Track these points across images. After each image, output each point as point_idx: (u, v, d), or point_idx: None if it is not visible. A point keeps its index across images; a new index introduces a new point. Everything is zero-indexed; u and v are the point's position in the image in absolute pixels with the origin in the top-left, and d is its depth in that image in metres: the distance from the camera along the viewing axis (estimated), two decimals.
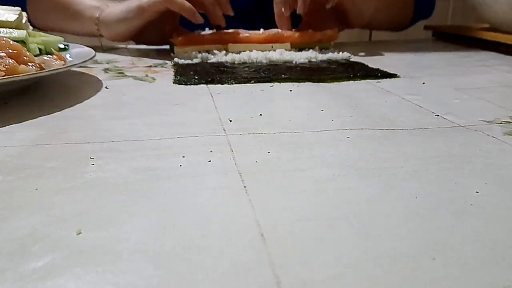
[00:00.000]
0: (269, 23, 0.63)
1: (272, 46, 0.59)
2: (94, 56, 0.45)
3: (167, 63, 0.56)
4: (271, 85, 0.45)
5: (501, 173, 0.25)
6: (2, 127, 0.32)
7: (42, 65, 0.39)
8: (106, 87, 0.44)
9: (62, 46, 0.49)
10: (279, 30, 0.62)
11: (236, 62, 0.55)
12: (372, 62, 0.55)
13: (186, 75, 0.48)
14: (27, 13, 0.51)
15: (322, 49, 0.62)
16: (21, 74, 0.35)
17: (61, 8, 0.64)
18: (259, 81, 0.46)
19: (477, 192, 0.22)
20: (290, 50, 0.59)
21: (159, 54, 0.63)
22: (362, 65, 0.54)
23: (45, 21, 0.68)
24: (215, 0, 0.59)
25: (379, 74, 0.49)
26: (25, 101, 0.38)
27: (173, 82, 0.46)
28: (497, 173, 0.25)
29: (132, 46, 0.71)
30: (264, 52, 0.57)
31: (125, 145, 0.29)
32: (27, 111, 0.35)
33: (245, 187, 0.23)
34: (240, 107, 0.37)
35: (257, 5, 0.75)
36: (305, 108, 0.37)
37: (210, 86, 0.45)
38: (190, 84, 0.45)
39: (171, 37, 0.60)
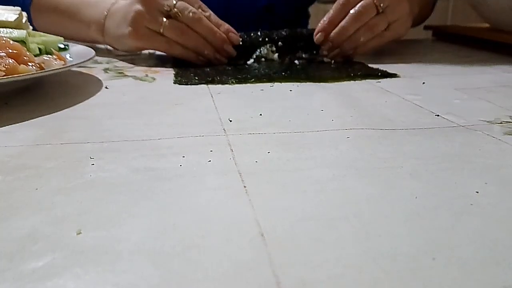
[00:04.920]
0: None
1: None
2: (94, 56, 0.45)
3: (167, 63, 0.56)
4: (271, 85, 0.45)
5: (501, 173, 0.25)
6: (2, 127, 0.32)
7: (42, 65, 0.39)
8: (106, 87, 0.44)
9: (62, 46, 0.49)
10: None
11: (236, 62, 0.55)
12: (372, 62, 0.55)
13: (186, 75, 0.48)
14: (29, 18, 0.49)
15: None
16: (21, 74, 0.35)
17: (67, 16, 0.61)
18: (259, 81, 0.46)
19: (477, 192, 0.22)
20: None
21: (159, 55, 0.63)
22: (362, 65, 0.54)
23: (50, 32, 0.64)
24: (224, 39, 0.54)
25: (379, 74, 0.49)
26: (25, 101, 0.38)
27: (173, 82, 0.46)
28: (497, 173, 0.25)
29: None
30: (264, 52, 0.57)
31: (125, 145, 0.29)
32: (27, 111, 0.35)
33: (245, 187, 0.23)
34: (240, 107, 0.37)
35: (266, 13, 0.74)
36: (305, 108, 0.37)
37: (210, 86, 0.45)
38: (190, 84, 0.45)
39: None
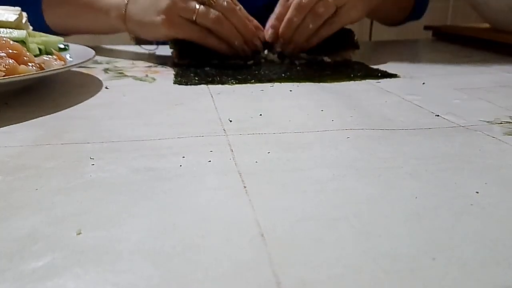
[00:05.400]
0: None
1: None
2: (94, 56, 0.45)
3: (167, 63, 0.56)
4: (271, 85, 0.45)
5: (501, 173, 0.25)
6: (2, 127, 0.32)
7: (42, 65, 0.39)
8: (106, 87, 0.44)
9: (62, 46, 0.49)
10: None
11: (236, 62, 0.55)
12: (372, 62, 0.55)
13: (186, 75, 0.48)
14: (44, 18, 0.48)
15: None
16: (21, 74, 0.35)
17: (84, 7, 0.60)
18: (259, 81, 0.46)
19: (477, 192, 0.22)
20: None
21: (159, 55, 0.63)
22: (362, 65, 0.54)
23: (65, 25, 0.63)
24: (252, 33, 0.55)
25: (379, 74, 0.49)
26: (25, 101, 0.38)
27: (173, 82, 0.46)
28: (497, 173, 0.25)
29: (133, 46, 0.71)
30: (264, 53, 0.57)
31: (125, 145, 0.29)
32: (27, 111, 0.35)
33: (245, 187, 0.23)
34: (240, 107, 0.37)
35: (266, 12, 0.74)
36: (305, 108, 0.37)
37: (210, 86, 0.45)
38: (190, 84, 0.45)
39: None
